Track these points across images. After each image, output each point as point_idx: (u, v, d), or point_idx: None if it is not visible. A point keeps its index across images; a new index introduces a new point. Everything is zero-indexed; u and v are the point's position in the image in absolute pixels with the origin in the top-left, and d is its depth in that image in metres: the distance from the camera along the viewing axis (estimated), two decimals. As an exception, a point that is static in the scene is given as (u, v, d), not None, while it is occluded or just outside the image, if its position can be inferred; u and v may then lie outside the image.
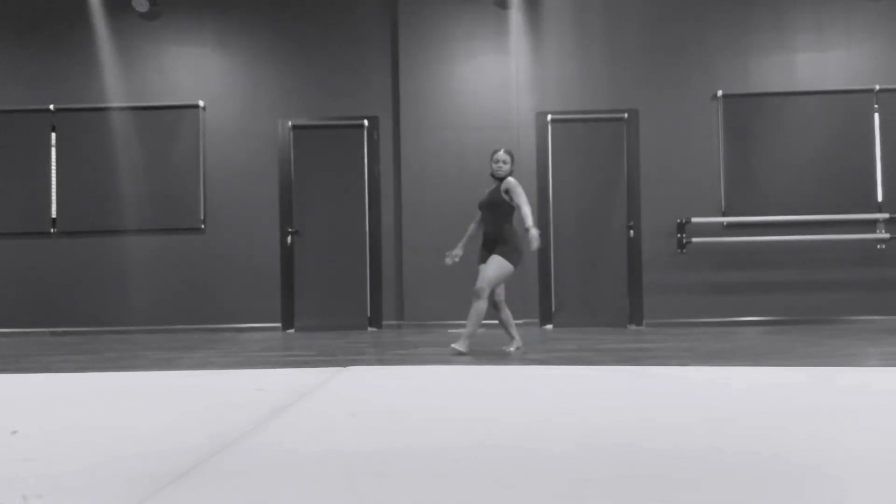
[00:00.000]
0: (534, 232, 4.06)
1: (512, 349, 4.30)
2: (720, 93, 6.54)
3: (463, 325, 6.32)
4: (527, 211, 4.17)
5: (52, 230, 6.74)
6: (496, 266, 4.18)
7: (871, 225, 6.47)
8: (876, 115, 6.49)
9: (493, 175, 4.37)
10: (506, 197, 4.25)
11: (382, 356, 4.23)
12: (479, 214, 4.48)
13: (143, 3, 6.63)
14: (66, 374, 3.45)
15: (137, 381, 3.06)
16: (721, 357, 3.86)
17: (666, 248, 6.56)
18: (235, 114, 6.82)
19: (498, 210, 4.28)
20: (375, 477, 1.42)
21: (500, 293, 4.36)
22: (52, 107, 6.74)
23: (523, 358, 3.99)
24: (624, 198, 6.62)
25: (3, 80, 6.84)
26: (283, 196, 6.77)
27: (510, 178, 4.30)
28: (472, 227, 4.61)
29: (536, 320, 6.59)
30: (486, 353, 4.36)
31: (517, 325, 6.50)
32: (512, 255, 4.21)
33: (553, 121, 6.65)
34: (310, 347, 4.90)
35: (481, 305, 4.16)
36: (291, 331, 6.67)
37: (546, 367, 3.52)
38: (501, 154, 4.34)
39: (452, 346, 4.18)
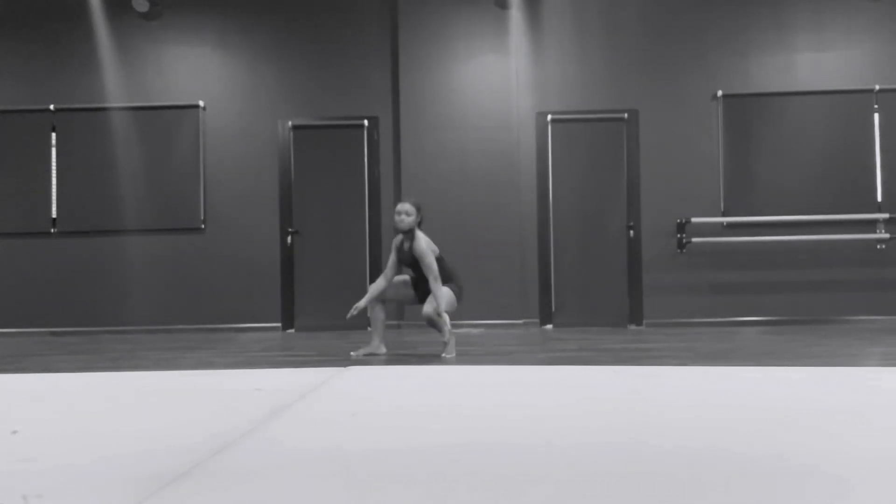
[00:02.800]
0: (444, 318, 3.82)
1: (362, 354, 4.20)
2: (720, 93, 6.54)
3: (460, 327, 6.33)
4: (437, 290, 3.85)
5: (52, 230, 6.74)
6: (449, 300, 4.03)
7: (871, 225, 6.47)
8: (876, 115, 6.49)
9: (396, 228, 4.08)
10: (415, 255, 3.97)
11: (382, 356, 4.23)
12: (392, 264, 4.16)
13: (143, 3, 6.63)
14: (66, 374, 3.45)
15: (137, 381, 3.06)
16: (721, 357, 3.86)
17: (666, 248, 6.56)
18: (235, 114, 6.82)
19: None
20: (375, 477, 1.42)
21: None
22: (52, 107, 6.74)
23: (521, 358, 3.99)
24: (624, 198, 6.62)
25: (3, 80, 6.84)
26: (283, 196, 6.77)
27: (421, 239, 4.00)
28: (381, 283, 4.16)
29: (536, 320, 6.59)
30: (487, 353, 4.35)
31: (517, 324, 6.53)
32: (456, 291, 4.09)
33: (553, 121, 6.65)
34: (310, 347, 4.90)
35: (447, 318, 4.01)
36: (291, 331, 6.67)
37: (546, 367, 3.52)
38: (403, 206, 4.06)
39: (445, 356, 4.04)
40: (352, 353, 4.28)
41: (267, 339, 5.84)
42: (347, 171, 6.79)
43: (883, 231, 6.43)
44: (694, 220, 6.48)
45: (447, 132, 6.63)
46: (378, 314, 4.26)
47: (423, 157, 6.64)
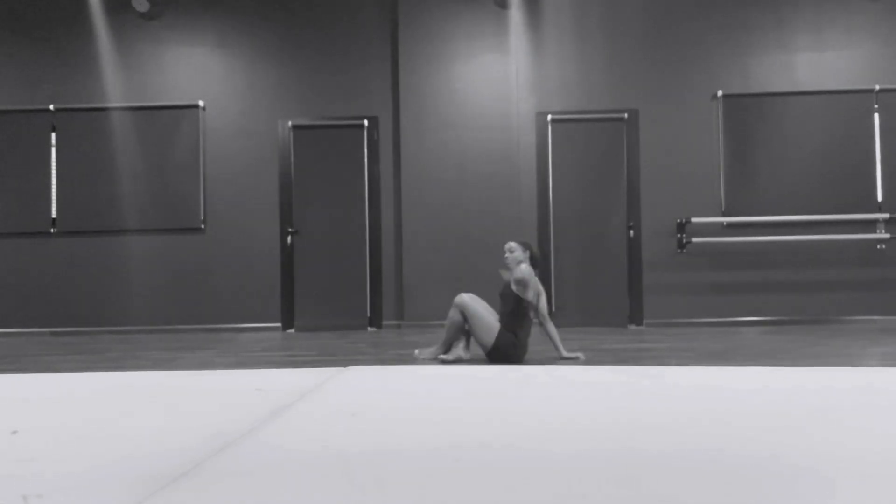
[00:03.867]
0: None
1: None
2: (720, 93, 6.54)
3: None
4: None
5: (52, 230, 6.74)
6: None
7: (871, 225, 6.47)
8: (876, 115, 6.49)
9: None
10: (516, 289, 3.82)
11: (382, 356, 4.23)
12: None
13: (143, 3, 6.63)
14: (66, 374, 3.45)
15: (137, 381, 3.06)
16: (721, 357, 3.86)
17: (666, 248, 6.56)
18: (235, 114, 6.82)
19: (505, 304, 3.88)
20: (375, 477, 1.42)
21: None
22: (52, 107, 6.74)
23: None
24: (624, 198, 6.62)
25: (3, 80, 6.84)
26: (283, 196, 6.78)
27: (523, 266, 3.84)
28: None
29: (536, 320, 6.58)
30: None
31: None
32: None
33: (553, 121, 6.65)
34: (310, 347, 4.90)
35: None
36: (291, 331, 6.67)
37: (547, 367, 3.52)
38: (510, 244, 3.98)
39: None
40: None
41: (267, 339, 5.84)
42: (347, 171, 6.79)
43: (883, 231, 6.43)
44: (694, 220, 6.48)
45: (447, 132, 6.64)
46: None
47: (423, 157, 6.65)
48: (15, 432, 1.90)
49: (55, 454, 1.66)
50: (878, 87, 6.47)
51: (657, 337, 5.36)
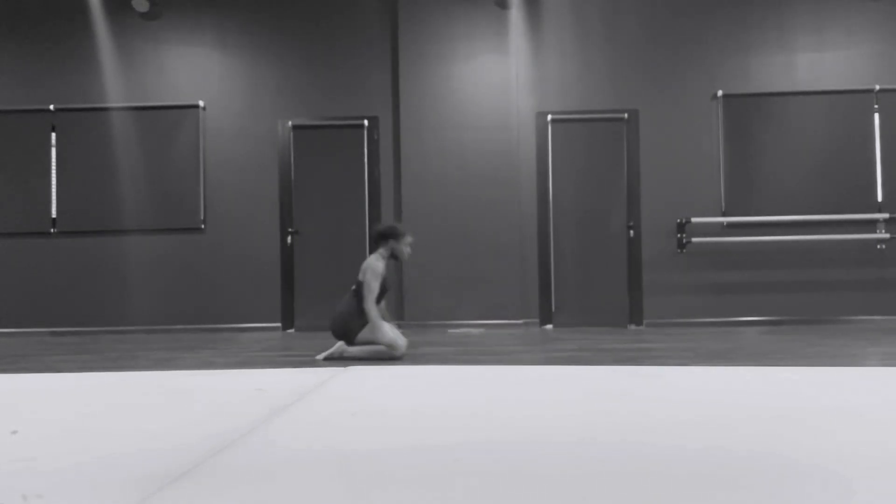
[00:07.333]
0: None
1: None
2: (720, 93, 6.55)
3: (464, 325, 6.34)
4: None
5: (52, 230, 6.74)
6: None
7: (871, 225, 6.48)
8: (876, 115, 6.49)
9: (402, 257, 4.38)
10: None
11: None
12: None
13: (143, 3, 6.64)
14: (66, 374, 3.45)
15: (137, 381, 3.06)
16: (721, 357, 3.86)
17: (666, 248, 6.56)
18: (235, 114, 6.82)
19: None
20: (375, 477, 1.42)
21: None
22: (52, 107, 6.74)
23: (513, 358, 3.99)
24: (624, 198, 6.62)
25: (3, 80, 6.84)
26: (283, 196, 6.78)
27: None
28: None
29: (536, 320, 6.59)
30: (486, 353, 4.35)
31: (517, 324, 6.54)
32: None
33: (553, 121, 6.65)
34: (310, 347, 4.90)
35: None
36: (291, 331, 6.67)
37: (546, 367, 3.52)
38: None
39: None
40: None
41: (267, 339, 5.84)
42: (347, 171, 6.79)
43: (883, 231, 6.44)
44: (694, 220, 6.48)
45: (447, 132, 6.64)
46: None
47: (423, 157, 6.65)
48: (15, 432, 1.90)
49: (55, 454, 1.66)
50: (878, 87, 6.47)
51: (657, 337, 5.36)
